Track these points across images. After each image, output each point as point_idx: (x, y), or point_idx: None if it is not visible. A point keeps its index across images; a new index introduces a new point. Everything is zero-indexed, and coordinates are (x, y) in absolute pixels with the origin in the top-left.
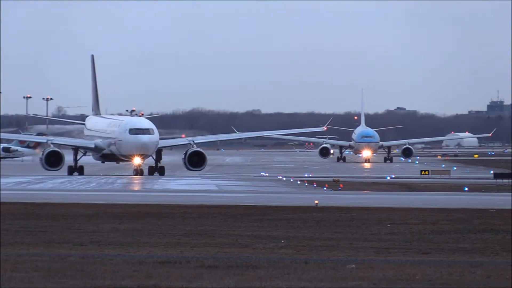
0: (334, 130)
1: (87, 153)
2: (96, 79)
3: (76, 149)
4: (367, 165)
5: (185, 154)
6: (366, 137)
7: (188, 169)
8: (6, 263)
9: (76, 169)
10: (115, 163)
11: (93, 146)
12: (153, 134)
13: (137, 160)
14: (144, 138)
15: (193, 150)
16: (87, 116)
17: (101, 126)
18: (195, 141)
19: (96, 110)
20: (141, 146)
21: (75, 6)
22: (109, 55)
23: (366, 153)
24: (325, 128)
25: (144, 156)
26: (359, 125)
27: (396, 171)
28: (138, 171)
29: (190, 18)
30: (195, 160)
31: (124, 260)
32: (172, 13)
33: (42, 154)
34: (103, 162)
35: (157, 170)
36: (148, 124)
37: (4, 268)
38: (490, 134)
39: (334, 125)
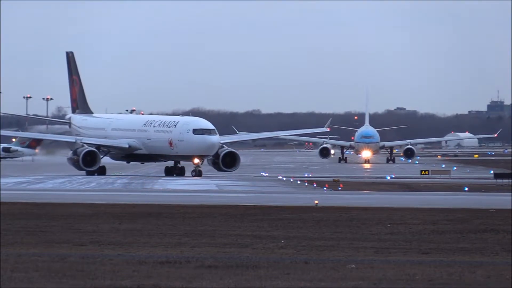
0: (337, 130)
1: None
2: (80, 76)
3: (99, 148)
4: (366, 165)
5: (218, 154)
6: (366, 137)
7: (221, 170)
8: (6, 263)
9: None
10: (139, 163)
11: (126, 146)
12: (217, 134)
13: (196, 161)
14: (212, 138)
15: (226, 150)
16: (67, 115)
17: (127, 125)
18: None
19: (86, 109)
20: (208, 147)
21: (75, 6)
22: (109, 55)
23: (366, 153)
24: (328, 129)
25: (205, 157)
26: (362, 125)
27: (396, 171)
28: (197, 172)
29: (190, 18)
30: (228, 161)
31: (124, 260)
32: (172, 13)
33: (74, 154)
34: (128, 162)
35: (176, 170)
36: (211, 125)
37: (4, 268)
38: (495, 135)
39: (336, 125)
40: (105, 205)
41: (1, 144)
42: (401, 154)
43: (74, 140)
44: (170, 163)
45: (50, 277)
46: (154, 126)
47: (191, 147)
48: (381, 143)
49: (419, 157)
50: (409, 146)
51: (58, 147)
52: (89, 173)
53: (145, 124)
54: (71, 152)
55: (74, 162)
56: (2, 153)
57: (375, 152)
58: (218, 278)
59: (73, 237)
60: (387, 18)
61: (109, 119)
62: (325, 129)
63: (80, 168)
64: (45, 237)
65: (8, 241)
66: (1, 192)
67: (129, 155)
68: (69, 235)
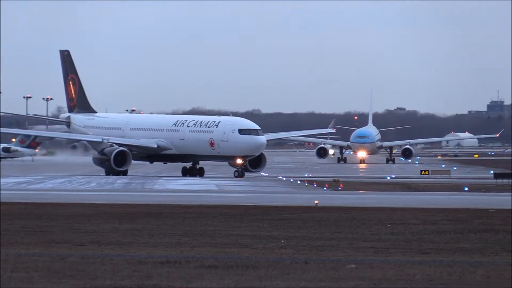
0: (338, 130)
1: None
2: (79, 75)
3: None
4: (362, 165)
5: None
6: (360, 137)
7: (247, 170)
8: (6, 263)
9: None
10: (162, 163)
11: (155, 146)
12: (263, 135)
13: (239, 161)
14: (260, 139)
15: None
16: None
17: (151, 125)
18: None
19: (87, 108)
20: (255, 148)
21: (75, 6)
22: (109, 55)
23: (361, 153)
24: (334, 129)
25: (249, 157)
26: (365, 125)
27: (396, 171)
28: (239, 173)
29: (190, 18)
30: (254, 162)
31: (124, 260)
32: (172, 13)
33: (102, 154)
34: (151, 162)
35: (195, 171)
36: (256, 125)
37: (4, 268)
38: (497, 135)
39: (337, 125)
40: (105, 205)
41: (1, 144)
42: (399, 153)
43: (100, 140)
44: (168, 162)
45: (50, 277)
46: (188, 126)
47: (236, 148)
48: (379, 143)
49: (419, 157)
50: (407, 146)
51: (58, 147)
52: (115, 174)
53: (175, 124)
54: (96, 152)
55: (103, 162)
56: (2, 153)
57: (371, 152)
58: (218, 278)
59: (73, 237)
60: (387, 18)
61: (125, 119)
62: (331, 130)
63: (110, 168)
64: (45, 237)
65: (8, 241)
66: (1, 192)
67: (153, 155)
68: (69, 235)
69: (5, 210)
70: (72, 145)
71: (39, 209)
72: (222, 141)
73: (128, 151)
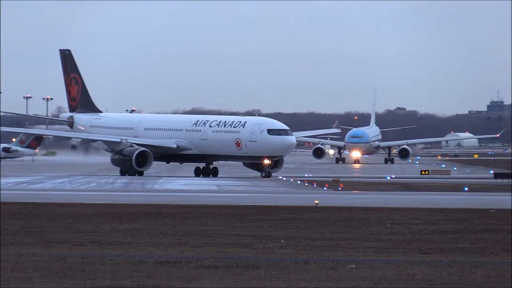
0: (342, 130)
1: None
2: (81, 74)
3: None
4: (356, 165)
5: None
6: (354, 137)
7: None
8: (6, 263)
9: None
10: (178, 163)
11: (174, 146)
12: (293, 135)
13: (266, 161)
14: (290, 139)
15: None
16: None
17: (168, 125)
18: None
19: (91, 108)
20: (286, 148)
21: (75, 6)
22: (108, 55)
23: (355, 153)
24: (340, 130)
25: (278, 158)
26: (367, 125)
27: (396, 171)
28: (267, 173)
29: (190, 18)
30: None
31: (124, 260)
32: (172, 13)
33: (121, 155)
34: (167, 162)
35: (210, 171)
36: (284, 125)
37: (4, 268)
38: (498, 135)
39: (340, 125)
40: (105, 205)
41: (1, 144)
42: (397, 153)
43: (119, 140)
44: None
45: (50, 277)
46: (210, 126)
47: (266, 148)
48: (377, 143)
49: (419, 157)
50: (404, 146)
51: (59, 147)
52: (131, 174)
53: (195, 124)
54: (114, 152)
55: (124, 162)
56: (2, 153)
57: (367, 152)
58: (218, 278)
59: (73, 237)
60: (387, 18)
61: (138, 118)
62: (337, 130)
63: (131, 169)
64: (45, 237)
65: (8, 241)
66: (1, 192)
67: (171, 155)
68: (69, 235)
69: (5, 210)
70: (72, 145)
71: (39, 209)
72: (250, 141)
73: (149, 151)
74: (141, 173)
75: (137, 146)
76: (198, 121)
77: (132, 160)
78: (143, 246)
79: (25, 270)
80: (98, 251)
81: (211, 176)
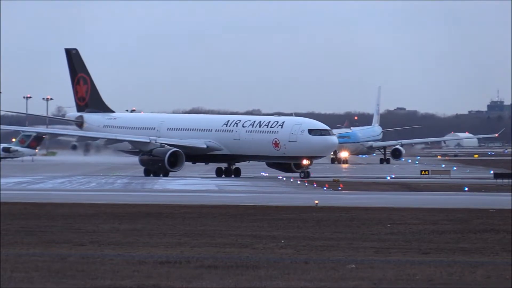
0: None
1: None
2: (90, 74)
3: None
4: (344, 165)
5: None
6: (341, 137)
7: (292, 171)
8: (6, 263)
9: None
10: (204, 164)
11: (204, 146)
12: (335, 135)
13: (305, 162)
14: (332, 139)
15: None
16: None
17: (196, 125)
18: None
19: (102, 108)
20: (328, 148)
21: (75, 6)
22: (109, 55)
23: (343, 153)
24: (351, 129)
25: (318, 158)
26: (369, 125)
27: (396, 171)
28: (306, 173)
29: (190, 18)
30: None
31: (124, 260)
32: (172, 13)
33: (151, 155)
34: (194, 163)
35: (231, 172)
36: (325, 125)
37: (4, 268)
38: (496, 135)
39: (340, 125)
40: (105, 205)
41: (1, 144)
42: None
43: (148, 140)
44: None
45: (50, 277)
46: (243, 126)
47: (306, 148)
48: (369, 143)
49: (419, 157)
50: (397, 146)
51: (59, 147)
52: (158, 175)
53: (226, 124)
54: (143, 153)
55: (155, 163)
56: (2, 153)
57: (355, 152)
58: (218, 278)
59: (73, 237)
60: (387, 18)
61: (160, 118)
62: (348, 130)
63: (163, 169)
64: (45, 237)
65: (8, 241)
66: (1, 192)
67: (198, 156)
68: (69, 235)
69: (5, 210)
70: (72, 145)
71: (39, 209)
72: (289, 141)
73: (181, 152)
74: (168, 174)
75: (168, 147)
76: (228, 121)
77: (165, 161)
78: (143, 246)
79: (25, 270)
80: (98, 251)
81: (233, 176)
